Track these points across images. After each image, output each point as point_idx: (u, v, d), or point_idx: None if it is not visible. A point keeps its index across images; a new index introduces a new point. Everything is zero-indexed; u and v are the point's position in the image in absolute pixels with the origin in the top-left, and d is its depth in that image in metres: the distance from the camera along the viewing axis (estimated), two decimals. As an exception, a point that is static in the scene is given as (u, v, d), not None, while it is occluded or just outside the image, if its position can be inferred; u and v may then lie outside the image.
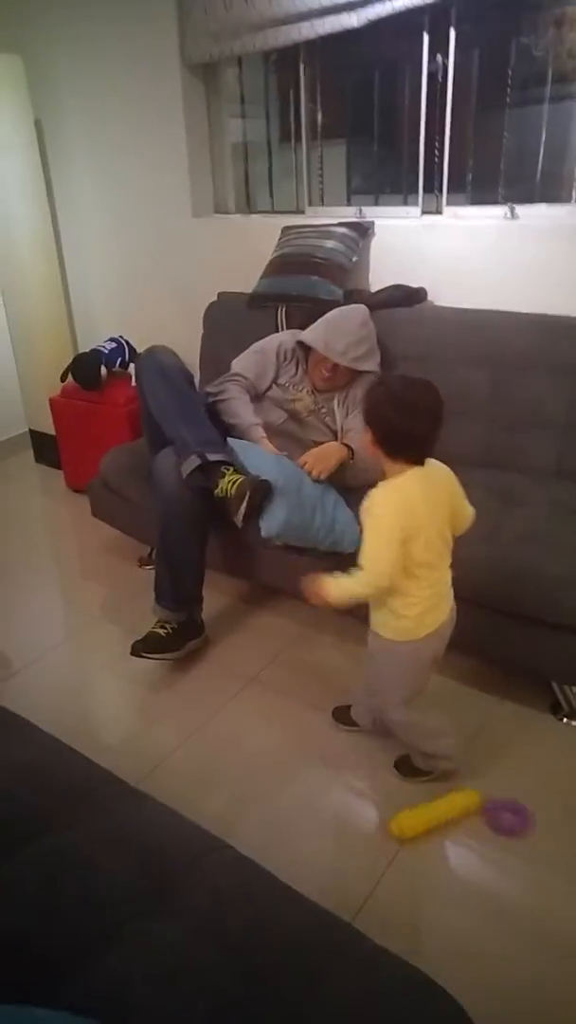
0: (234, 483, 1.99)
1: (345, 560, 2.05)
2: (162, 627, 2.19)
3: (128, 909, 1.04)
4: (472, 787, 1.75)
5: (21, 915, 1.04)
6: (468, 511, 1.60)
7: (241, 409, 2.31)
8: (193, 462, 2.04)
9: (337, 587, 1.57)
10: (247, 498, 1.96)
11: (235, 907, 1.06)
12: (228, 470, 2.03)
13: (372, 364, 2.33)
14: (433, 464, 1.54)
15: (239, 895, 1.08)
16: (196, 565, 2.21)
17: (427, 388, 1.47)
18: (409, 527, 1.48)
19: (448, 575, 1.60)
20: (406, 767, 1.82)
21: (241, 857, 1.16)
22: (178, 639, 2.20)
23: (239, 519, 1.98)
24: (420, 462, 1.51)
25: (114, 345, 3.23)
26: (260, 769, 1.88)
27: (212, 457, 2.04)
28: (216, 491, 2.01)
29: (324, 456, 2.16)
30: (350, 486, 2.20)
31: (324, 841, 1.67)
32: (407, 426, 1.47)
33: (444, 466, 1.57)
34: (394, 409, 1.46)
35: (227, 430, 2.30)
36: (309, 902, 1.08)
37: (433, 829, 1.65)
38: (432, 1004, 0.96)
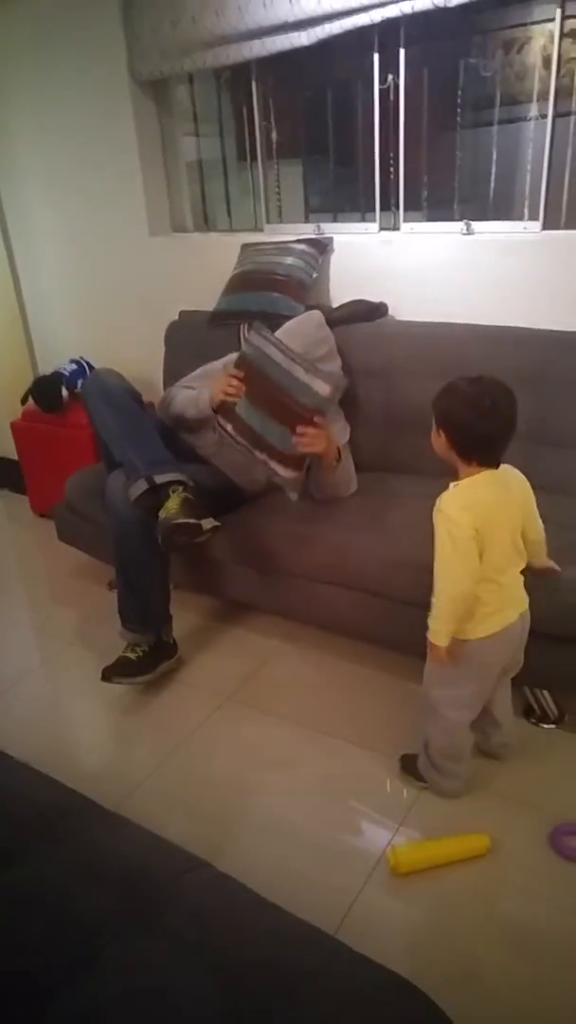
0: (169, 510, 1.94)
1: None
2: (132, 651, 2.17)
3: (107, 933, 1.02)
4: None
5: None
6: (537, 526, 1.61)
7: (185, 395, 2.31)
8: (140, 486, 2.01)
9: (434, 623, 1.54)
10: (163, 533, 1.92)
11: (216, 925, 1.05)
12: (177, 490, 2.00)
13: (334, 366, 2.35)
14: (509, 470, 1.56)
15: (219, 913, 1.07)
16: (158, 585, 2.19)
17: (499, 387, 1.47)
18: (482, 528, 1.47)
19: (518, 581, 1.60)
20: (408, 764, 1.82)
21: (220, 875, 1.15)
22: (150, 661, 2.17)
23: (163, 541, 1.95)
24: (494, 464, 1.52)
25: (75, 367, 3.21)
26: (237, 787, 1.86)
27: (160, 479, 2.01)
28: (159, 512, 1.96)
29: (327, 439, 2.07)
30: (321, 494, 2.22)
31: (303, 856, 1.66)
32: (481, 427, 1.47)
33: (520, 474, 1.58)
34: (469, 410, 1.46)
35: (185, 448, 2.31)
36: (290, 915, 1.07)
37: (433, 867, 1.60)
38: (415, 1009, 0.95)
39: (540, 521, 1.63)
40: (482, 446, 1.51)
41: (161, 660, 2.21)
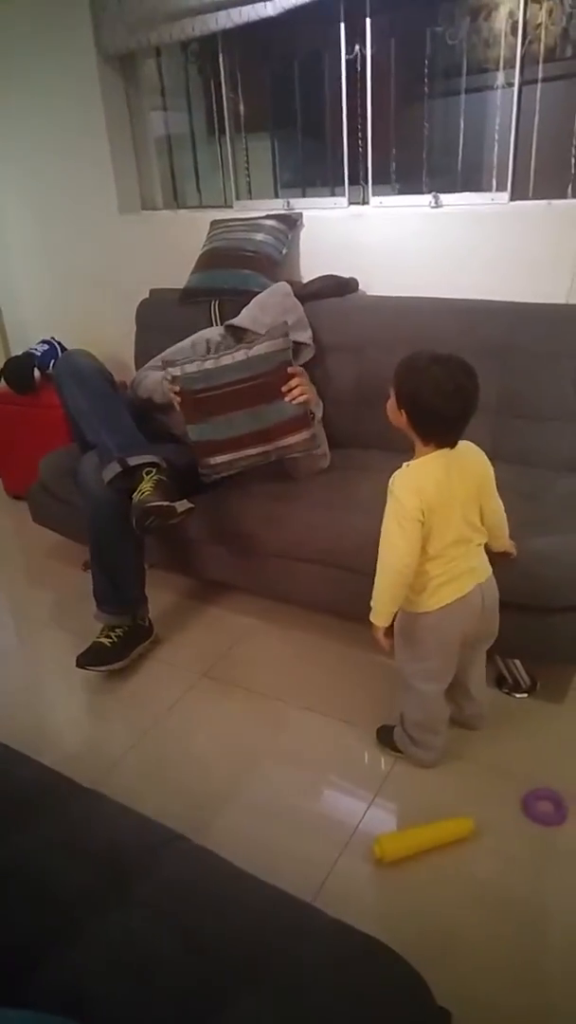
0: (143, 492, 1.93)
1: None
2: (107, 636, 2.17)
3: (85, 907, 1.03)
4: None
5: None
6: (496, 508, 1.62)
7: (153, 378, 2.28)
8: (113, 469, 2.01)
9: (375, 603, 1.60)
10: (136, 516, 1.91)
11: (191, 895, 1.06)
12: (151, 472, 1.99)
13: (305, 336, 2.36)
14: (467, 448, 1.56)
15: (195, 883, 1.09)
16: (133, 567, 2.19)
17: (463, 369, 1.47)
18: (431, 511, 1.49)
19: (473, 554, 1.59)
20: (384, 735, 1.85)
21: (195, 847, 1.16)
22: (123, 647, 2.18)
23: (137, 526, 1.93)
24: (451, 444, 1.52)
25: (46, 347, 3.19)
26: (214, 763, 1.88)
27: (133, 462, 2.01)
28: (133, 495, 1.95)
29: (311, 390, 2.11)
30: (298, 471, 2.23)
31: (279, 828, 1.68)
32: (445, 411, 1.47)
33: (480, 452, 1.58)
34: (434, 394, 1.45)
35: (159, 428, 2.30)
36: (264, 884, 1.09)
37: (419, 854, 1.58)
38: (390, 971, 0.98)
39: (499, 503, 1.63)
40: (443, 428, 1.51)
41: (136, 644, 2.22)
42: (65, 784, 1.31)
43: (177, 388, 2.02)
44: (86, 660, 2.12)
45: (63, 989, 0.94)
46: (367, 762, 1.84)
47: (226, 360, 2.00)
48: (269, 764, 1.87)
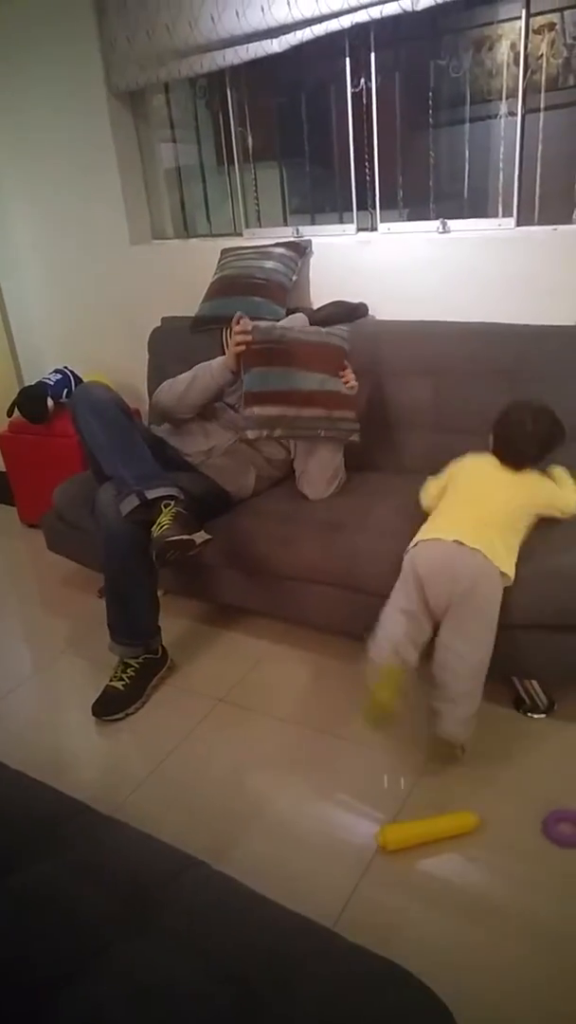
0: (162, 526, 1.95)
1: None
2: (119, 679, 2.18)
3: (106, 934, 1.03)
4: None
5: (-4, 951, 1.03)
6: (557, 511, 1.92)
7: (187, 375, 2.33)
8: (132, 502, 2.01)
9: None
10: (157, 551, 1.94)
11: (212, 921, 1.06)
12: (168, 505, 2.00)
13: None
14: (530, 477, 1.91)
15: (215, 909, 1.09)
16: (148, 598, 2.20)
17: (533, 413, 1.91)
18: (452, 478, 1.97)
19: (470, 527, 1.78)
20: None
21: (215, 873, 1.16)
22: (137, 685, 2.18)
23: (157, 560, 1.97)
24: (508, 462, 1.91)
25: (59, 377, 3.22)
26: (233, 788, 1.88)
27: (151, 495, 2.01)
28: (152, 528, 1.96)
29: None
30: (314, 489, 2.28)
31: (299, 853, 1.67)
32: (501, 435, 1.94)
33: (542, 483, 1.92)
34: (501, 423, 1.94)
35: (173, 456, 2.32)
36: (284, 909, 1.08)
37: (421, 845, 1.63)
38: (411, 997, 0.97)
39: (557, 511, 1.92)
40: (498, 445, 1.94)
41: (150, 677, 2.22)
42: (85, 812, 1.31)
43: (249, 335, 2.12)
44: (103, 710, 2.14)
45: (86, 1017, 0.94)
46: (386, 785, 1.83)
47: (301, 331, 2.24)
48: (288, 789, 1.86)
